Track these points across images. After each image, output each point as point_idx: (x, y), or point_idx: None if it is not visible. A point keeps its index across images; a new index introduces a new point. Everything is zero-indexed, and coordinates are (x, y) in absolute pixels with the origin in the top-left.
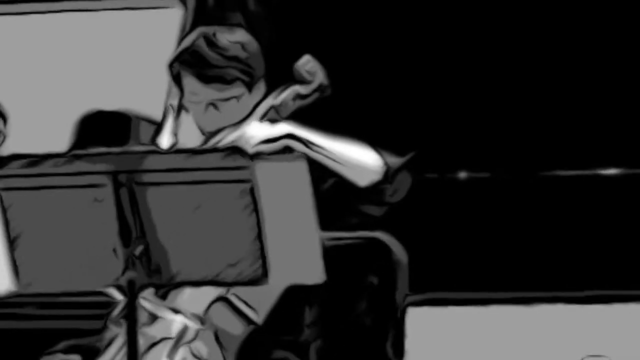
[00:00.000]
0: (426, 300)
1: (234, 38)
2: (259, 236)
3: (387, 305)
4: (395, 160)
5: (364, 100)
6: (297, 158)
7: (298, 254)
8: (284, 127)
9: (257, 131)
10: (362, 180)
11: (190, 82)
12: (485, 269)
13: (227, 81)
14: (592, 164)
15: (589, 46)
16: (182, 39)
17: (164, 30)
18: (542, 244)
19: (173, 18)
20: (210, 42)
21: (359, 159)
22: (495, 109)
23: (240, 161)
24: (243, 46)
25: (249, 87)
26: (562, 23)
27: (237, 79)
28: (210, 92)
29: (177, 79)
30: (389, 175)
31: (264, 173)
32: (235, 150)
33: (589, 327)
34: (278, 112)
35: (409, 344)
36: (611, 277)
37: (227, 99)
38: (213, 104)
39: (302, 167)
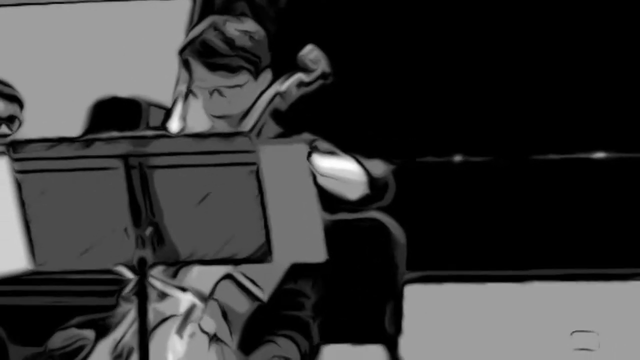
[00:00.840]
0: (423, 277)
1: (243, 27)
2: (263, 216)
3: (386, 283)
4: (379, 171)
5: (363, 88)
6: (298, 141)
7: (300, 233)
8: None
9: None
10: (353, 195)
11: (198, 69)
12: (479, 249)
13: (233, 69)
14: (580, 148)
15: (577, 37)
16: (190, 28)
17: (173, 20)
18: (534, 225)
19: (182, 8)
20: (219, 32)
21: (346, 176)
22: (488, 98)
23: (245, 145)
24: (251, 36)
25: (254, 75)
26: (552, 15)
27: (243, 67)
28: (216, 79)
29: (186, 65)
30: (376, 188)
31: (268, 155)
32: (240, 134)
33: (578, 303)
34: (283, 99)
35: (406, 319)
36: (599, 256)
37: (232, 87)
38: (218, 90)
39: (303, 150)
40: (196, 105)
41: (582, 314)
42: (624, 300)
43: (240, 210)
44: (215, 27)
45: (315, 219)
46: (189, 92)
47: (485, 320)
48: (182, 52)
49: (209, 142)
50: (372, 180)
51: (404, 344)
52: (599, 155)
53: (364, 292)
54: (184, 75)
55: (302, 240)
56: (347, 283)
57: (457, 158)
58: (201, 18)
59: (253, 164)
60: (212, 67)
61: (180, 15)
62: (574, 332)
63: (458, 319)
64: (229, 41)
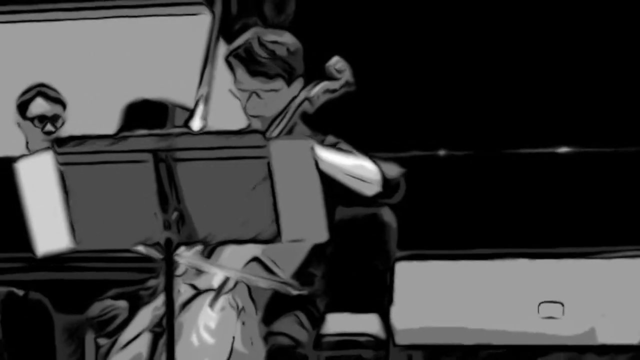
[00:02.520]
0: (411, 255)
1: (281, 40)
2: (273, 202)
3: (380, 261)
4: (393, 173)
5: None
6: (304, 137)
7: (305, 216)
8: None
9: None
10: (368, 191)
11: (240, 73)
12: (459, 231)
13: (270, 76)
14: (547, 143)
15: (547, 41)
16: (209, 40)
17: (195, 33)
18: (508, 210)
19: (203, 23)
20: (261, 42)
21: (362, 174)
22: (468, 102)
23: (257, 140)
24: (287, 48)
25: (288, 82)
26: (529, 19)
27: (279, 75)
28: (254, 83)
29: (230, 68)
30: (388, 187)
31: (277, 150)
32: (254, 131)
33: (545, 278)
34: (311, 103)
35: (397, 291)
36: (563, 238)
37: (269, 91)
38: (256, 93)
39: (308, 145)
40: (215, 106)
41: (549, 288)
42: (585, 275)
43: (253, 197)
44: (258, 38)
45: (318, 204)
46: (206, 97)
47: (464, 292)
48: (227, 57)
49: (226, 138)
50: (386, 180)
51: (395, 312)
52: (563, 149)
53: (362, 269)
54: (205, 80)
55: (306, 222)
56: (347, 261)
57: (441, 152)
58: (219, 32)
59: (264, 157)
60: (253, 73)
61: (201, 29)
62: (541, 302)
63: (441, 291)
64: (269, 51)
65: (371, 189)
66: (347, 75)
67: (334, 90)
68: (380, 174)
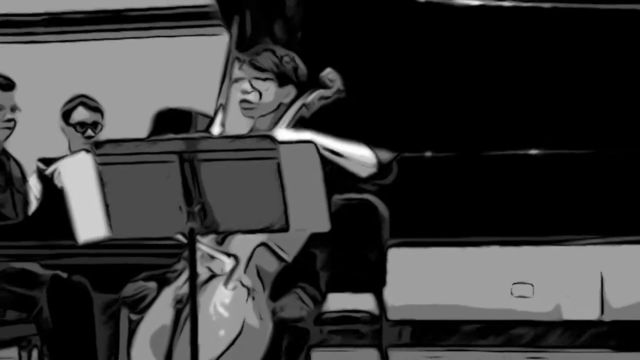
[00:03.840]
0: (401, 243)
1: (284, 53)
2: (282, 197)
3: (374, 247)
4: (385, 156)
5: (363, 100)
6: (309, 141)
7: (310, 209)
8: (306, 134)
9: (288, 136)
10: (363, 173)
11: (244, 67)
12: (444, 222)
13: (263, 70)
14: (519, 146)
15: (518, 53)
16: (227, 57)
17: (215, 51)
18: (486, 204)
19: (222, 42)
20: (270, 48)
21: (359, 158)
22: (452, 109)
23: (269, 144)
24: (288, 60)
25: (279, 83)
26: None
27: (271, 71)
28: (251, 72)
29: (240, 66)
30: (382, 169)
31: (286, 152)
32: (265, 136)
33: (517, 262)
34: (307, 109)
35: (389, 274)
36: (534, 228)
37: (259, 80)
38: (250, 82)
39: (312, 148)
40: (232, 115)
41: (521, 271)
42: (552, 260)
43: (265, 193)
44: (268, 48)
45: (321, 198)
46: (224, 105)
47: (447, 274)
48: (239, 56)
49: (241, 141)
50: (379, 162)
51: (387, 292)
52: (534, 151)
53: (358, 254)
54: (223, 91)
55: (311, 214)
56: (345, 247)
57: (428, 154)
58: (236, 50)
59: (274, 158)
60: (252, 65)
61: (220, 47)
62: (514, 283)
63: (427, 274)
64: (269, 51)
65: (366, 170)
66: (338, 83)
67: (327, 97)
68: (374, 156)
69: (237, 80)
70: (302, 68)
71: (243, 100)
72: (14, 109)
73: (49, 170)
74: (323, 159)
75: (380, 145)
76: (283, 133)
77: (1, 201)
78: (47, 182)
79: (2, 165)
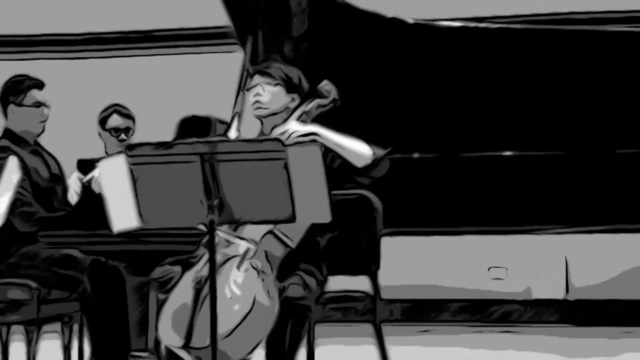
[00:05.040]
0: (393, 232)
1: (290, 68)
2: (290, 193)
3: (369, 236)
4: (379, 152)
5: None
6: (313, 144)
7: (314, 203)
8: (311, 127)
9: (296, 128)
10: (359, 163)
11: (256, 77)
12: (428, 214)
13: (273, 77)
14: (495, 148)
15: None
16: (242, 71)
17: (231, 67)
18: (464, 199)
19: (237, 58)
20: (278, 63)
21: (356, 149)
22: (438, 115)
23: (278, 147)
24: (289, 68)
25: (286, 89)
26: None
27: (280, 78)
28: (262, 79)
29: (251, 76)
30: (375, 161)
31: (292, 154)
32: (275, 140)
33: (494, 249)
34: (307, 115)
35: (382, 259)
36: (507, 219)
37: (269, 85)
38: (261, 86)
39: (316, 150)
40: (246, 122)
41: (496, 256)
42: (523, 247)
43: (275, 189)
44: (277, 63)
45: (323, 194)
46: (239, 113)
47: (433, 259)
48: (251, 67)
49: (254, 144)
50: (373, 155)
51: (381, 275)
52: (508, 153)
53: (355, 241)
54: (239, 101)
55: (315, 208)
56: (344, 236)
57: (415, 155)
58: (250, 65)
59: (282, 159)
60: (262, 74)
61: (236, 63)
62: (490, 267)
63: (416, 259)
64: (280, 67)
65: (363, 161)
66: (333, 94)
67: (324, 106)
68: (370, 149)
69: (249, 88)
70: (305, 81)
71: (256, 102)
72: (47, 106)
73: (85, 179)
74: (326, 148)
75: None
76: (294, 125)
77: (48, 191)
78: (86, 187)
79: (43, 157)
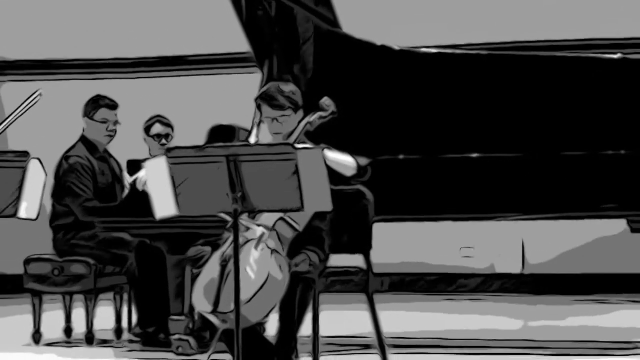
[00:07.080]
0: (383, 219)
1: (289, 88)
2: (299, 187)
3: (363, 222)
4: (363, 162)
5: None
6: (317, 148)
7: (318, 194)
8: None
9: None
10: (348, 173)
11: (265, 107)
12: (413, 204)
13: (284, 108)
14: (464, 150)
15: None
16: (263, 88)
17: (253, 84)
18: (445, 192)
19: (256, 78)
20: (278, 89)
21: (345, 163)
22: (419, 124)
23: (289, 150)
24: (293, 92)
25: (295, 111)
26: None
27: (289, 107)
28: (275, 113)
29: (259, 107)
30: (361, 171)
31: (301, 155)
32: (287, 144)
33: (465, 231)
34: (311, 125)
35: (374, 240)
36: (478, 208)
37: (283, 116)
38: (276, 119)
39: (319, 152)
40: (264, 130)
41: (466, 238)
42: (488, 231)
43: (286, 184)
44: (276, 87)
45: (325, 187)
46: (260, 122)
47: (416, 241)
48: (257, 99)
49: (271, 148)
50: (359, 166)
51: (373, 253)
52: (475, 155)
53: (352, 226)
54: (257, 114)
55: (318, 199)
56: (343, 222)
57: (401, 157)
58: (267, 83)
59: (293, 160)
60: (273, 107)
61: (256, 82)
62: (461, 247)
63: (401, 241)
64: (282, 93)
65: (350, 172)
66: (332, 108)
67: (324, 117)
68: (355, 162)
69: (267, 118)
70: (300, 95)
71: (276, 133)
72: (116, 123)
73: (131, 180)
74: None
75: (368, 150)
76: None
77: (110, 188)
78: (132, 186)
79: (109, 163)
